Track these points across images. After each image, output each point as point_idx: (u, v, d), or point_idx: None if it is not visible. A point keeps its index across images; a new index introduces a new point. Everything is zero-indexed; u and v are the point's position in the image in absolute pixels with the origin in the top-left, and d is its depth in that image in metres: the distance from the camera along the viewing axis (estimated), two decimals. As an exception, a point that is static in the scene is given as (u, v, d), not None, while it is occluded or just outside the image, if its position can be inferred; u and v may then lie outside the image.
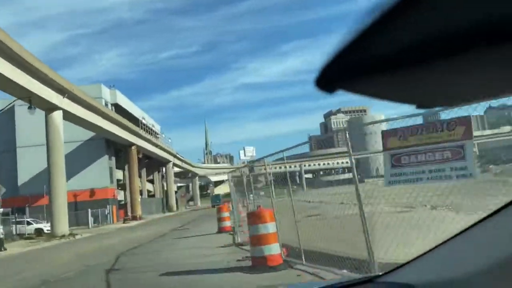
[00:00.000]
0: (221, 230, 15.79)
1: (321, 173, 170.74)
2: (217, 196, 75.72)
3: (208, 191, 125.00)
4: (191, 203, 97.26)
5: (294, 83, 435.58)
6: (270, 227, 7.54)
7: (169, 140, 66.13)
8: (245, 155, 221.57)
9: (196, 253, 10.67)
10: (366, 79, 0.54)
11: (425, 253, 1.32)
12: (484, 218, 1.11)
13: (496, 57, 0.43)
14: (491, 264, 0.99)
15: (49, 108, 26.35)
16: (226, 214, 16.54)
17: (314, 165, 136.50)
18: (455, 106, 3.81)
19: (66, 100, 27.58)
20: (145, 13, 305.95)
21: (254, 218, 7.77)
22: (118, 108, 45.56)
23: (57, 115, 26.88)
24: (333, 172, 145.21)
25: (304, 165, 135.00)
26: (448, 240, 1.23)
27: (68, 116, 29.15)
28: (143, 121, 51.23)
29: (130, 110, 49.24)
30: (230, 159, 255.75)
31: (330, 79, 0.56)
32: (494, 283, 1.01)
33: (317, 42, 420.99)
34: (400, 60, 0.47)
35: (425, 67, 0.47)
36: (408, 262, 1.41)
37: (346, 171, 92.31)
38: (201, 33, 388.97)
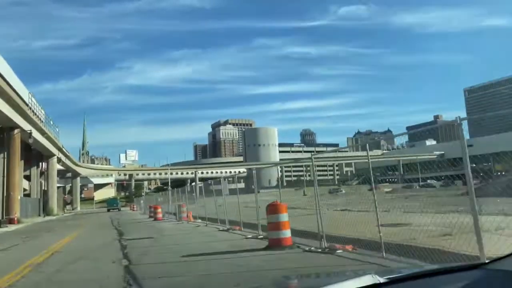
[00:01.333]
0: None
1: (210, 181, 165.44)
2: (114, 200, 67.18)
3: (82, 195, 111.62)
4: (68, 206, 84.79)
5: (182, 90, 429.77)
6: (286, 217, 8.80)
7: (57, 130, 55.54)
8: (126, 159, 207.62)
9: None
10: None
11: None
12: None
13: None
14: None
15: None
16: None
17: (207, 173, 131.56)
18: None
19: None
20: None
21: (274, 209, 8.85)
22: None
23: None
24: (224, 180, 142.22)
25: (192, 173, 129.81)
26: None
27: None
28: (32, 99, 41.00)
29: (12, 83, 38.61)
30: (107, 161, 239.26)
31: None
32: None
33: (206, 54, 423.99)
34: None
35: None
36: None
37: (242, 181, 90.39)
38: (84, 26, 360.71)
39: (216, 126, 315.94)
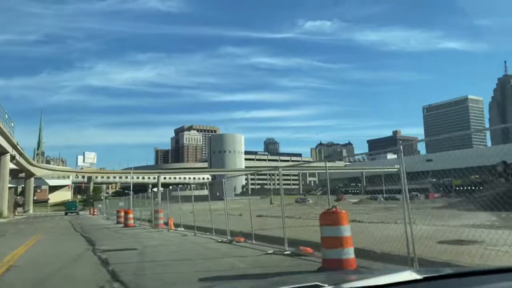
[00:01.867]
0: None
1: (171, 187, 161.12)
2: (73, 203, 62.68)
3: (35, 197, 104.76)
4: (19, 209, 78.67)
5: (146, 94, 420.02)
6: (347, 230, 6.45)
7: (12, 125, 50.81)
8: (84, 161, 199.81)
9: None
10: None
11: None
12: None
13: None
14: None
15: None
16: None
17: (170, 178, 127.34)
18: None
19: None
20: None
21: (334, 218, 6.47)
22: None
23: None
24: (189, 187, 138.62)
25: (155, 178, 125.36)
26: None
27: None
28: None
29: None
30: (64, 163, 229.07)
31: None
32: None
33: (172, 58, 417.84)
34: None
35: None
36: None
37: (205, 188, 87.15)
38: (45, 22, 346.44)
39: (179, 131, 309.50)
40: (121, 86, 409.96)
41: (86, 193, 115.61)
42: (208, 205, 15.53)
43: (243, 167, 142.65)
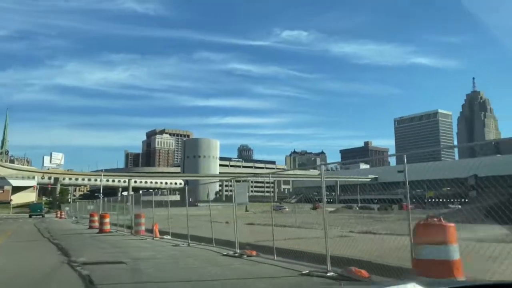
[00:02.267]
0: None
1: (141, 191, 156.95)
2: (39, 205, 58.78)
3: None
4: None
5: (117, 96, 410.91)
6: (457, 250, 4.61)
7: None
8: (50, 162, 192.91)
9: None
10: None
11: None
12: None
13: None
14: None
15: None
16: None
17: (141, 182, 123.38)
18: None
19: None
20: None
21: (439, 234, 4.59)
22: None
23: None
24: (160, 192, 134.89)
25: (125, 181, 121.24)
26: None
27: None
28: None
29: None
30: (29, 163, 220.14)
31: None
32: None
33: (146, 60, 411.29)
34: None
35: None
36: None
37: (177, 193, 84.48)
38: (15, 17, 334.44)
39: (151, 135, 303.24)
40: (92, 86, 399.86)
41: (52, 195, 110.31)
42: (181, 211, 14.84)
43: (218, 173, 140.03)
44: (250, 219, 27.49)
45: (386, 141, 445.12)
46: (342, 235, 11.82)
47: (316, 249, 8.34)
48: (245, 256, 9.40)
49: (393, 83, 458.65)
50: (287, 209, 64.64)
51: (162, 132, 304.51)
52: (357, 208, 59.52)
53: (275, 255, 8.83)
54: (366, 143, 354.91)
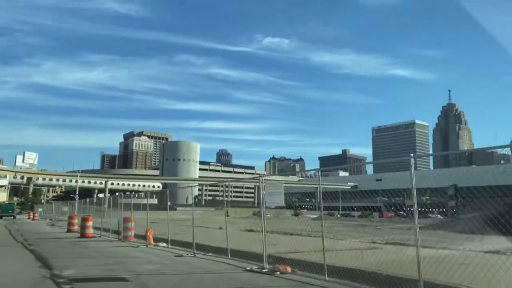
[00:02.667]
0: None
1: (117, 193, 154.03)
2: (10, 205, 55.51)
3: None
4: None
5: (96, 96, 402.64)
6: None
7: None
8: (23, 161, 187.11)
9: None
10: None
11: None
12: None
13: None
14: None
15: None
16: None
17: (118, 184, 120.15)
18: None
19: None
20: None
21: None
22: None
23: None
24: (136, 195, 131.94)
25: (102, 183, 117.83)
26: None
27: None
28: None
29: None
30: (0, 162, 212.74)
31: None
32: None
33: (126, 62, 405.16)
34: None
35: None
36: None
37: (155, 196, 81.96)
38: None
39: (129, 136, 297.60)
40: (70, 86, 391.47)
41: (25, 196, 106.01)
42: (159, 215, 14.20)
43: (197, 176, 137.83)
44: (241, 225, 26.07)
45: (363, 150, 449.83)
46: (371, 247, 10.58)
47: (380, 267, 6.84)
48: (278, 273, 7.83)
49: (372, 93, 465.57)
50: (269, 215, 63.34)
51: (140, 134, 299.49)
52: (339, 216, 58.92)
53: (326, 275, 7.16)
54: (344, 151, 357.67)
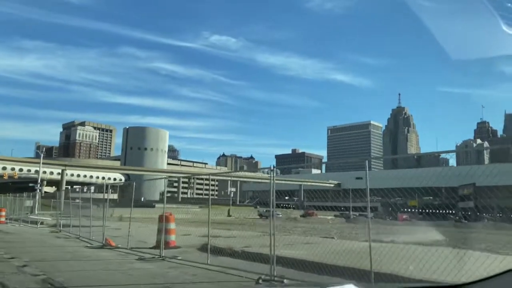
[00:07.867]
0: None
1: (69, 187, 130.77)
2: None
3: None
4: None
5: (28, 85, 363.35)
6: None
7: None
8: None
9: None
10: None
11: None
12: None
13: None
14: None
15: None
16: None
17: (73, 175, 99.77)
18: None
19: None
20: None
21: None
22: None
23: None
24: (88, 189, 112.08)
25: (51, 172, 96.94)
26: None
27: None
28: None
29: None
30: None
31: None
32: None
33: (64, 50, 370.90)
34: None
35: None
36: (498, 275, 1.57)
37: (112, 191, 65.01)
38: None
39: (70, 126, 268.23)
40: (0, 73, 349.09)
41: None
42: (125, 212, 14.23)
43: (165, 167, 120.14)
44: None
45: (318, 151, 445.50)
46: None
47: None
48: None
49: (314, 96, 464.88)
50: (280, 215, 51.55)
51: (83, 124, 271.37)
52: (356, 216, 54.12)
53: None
54: (293, 150, 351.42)
